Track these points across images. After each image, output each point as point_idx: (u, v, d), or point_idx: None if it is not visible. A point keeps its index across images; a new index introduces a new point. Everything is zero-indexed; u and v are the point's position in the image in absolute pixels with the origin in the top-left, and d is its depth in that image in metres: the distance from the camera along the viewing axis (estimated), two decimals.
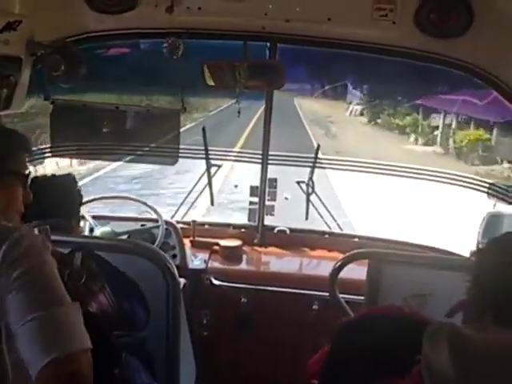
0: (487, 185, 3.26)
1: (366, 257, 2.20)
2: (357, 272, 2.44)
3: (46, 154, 3.32)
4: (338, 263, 2.29)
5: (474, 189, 3.30)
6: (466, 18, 2.44)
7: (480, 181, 3.30)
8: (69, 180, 2.32)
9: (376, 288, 2.15)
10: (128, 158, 3.56)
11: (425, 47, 2.68)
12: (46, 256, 1.35)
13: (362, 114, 19.05)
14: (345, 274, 2.34)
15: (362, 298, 2.27)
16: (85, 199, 3.13)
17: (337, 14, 2.56)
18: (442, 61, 2.70)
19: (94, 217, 3.11)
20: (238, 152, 3.84)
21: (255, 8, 2.57)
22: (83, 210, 3.03)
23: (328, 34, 2.83)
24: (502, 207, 3.18)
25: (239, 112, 3.01)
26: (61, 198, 2.21)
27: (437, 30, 2.52)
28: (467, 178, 3.34)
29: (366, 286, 2.19)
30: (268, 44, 3.00)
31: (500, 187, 3.25)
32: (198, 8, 2.59)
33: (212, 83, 3.02)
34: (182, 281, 2.38)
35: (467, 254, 2.93)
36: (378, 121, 18.31)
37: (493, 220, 3.06)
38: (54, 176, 2.36)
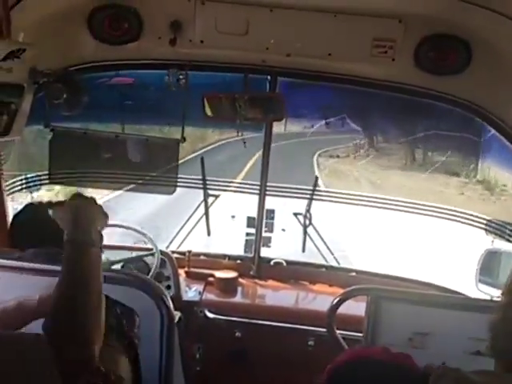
0: (485, 221, 3.26)
1: (366, 293, 2.17)
2: (354, 307, 2.40)
3: (44, 181, 3.31)
4: (336, 299, 2.25)
5: (472, 225, 3.30)
6: (465, 56, 2.49)
7: (478, 217, 3.30)
8: None
9: (374, 325, 2.11)
10: (126, 187, 3.55)
11: (423, 84, 2.71)
12: None
13: None
14: (342, 309, 2.30)
15: (360, 334, 2.22)
16: None
17: (337, 50, 2.60)
18: (441, 98, 2.74)
19: None
20: (237, 183, 3.84)
21: (256, 42, 2.61)
22: None
23: (328, 68, 2.87)
24: (500, 244, 3.16)
25: (245, 142, 3.03)
26: (55, 225, 2.17)
27: (436, 68, 2.57)
28: (465, 214, 3.34)
29: (364, 323, 2.14)
30: (268, 77, 3.04)
31: (497, 224, 3.24)
32: (200, 41, 2.63)
33: (211, 114, 3.04)
34: (177, 314, 2.33)
35: (467, 293, 2.91)
36: None
37: (491, 257, 3.04)
38: (49, 202, 2.32)
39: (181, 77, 2.83)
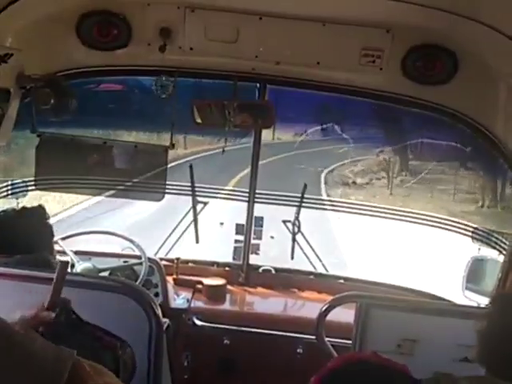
0: (472, 229, 3.29)
1: (355, 300, 2.17)
2: (342, 314, 2.40)
3: (30, 187, 3.27)
4: (325, 306, 2.25)
5: (459, 232, 3.33)
6: (451, 66, 2.53)
7: (465, 225, 3.34)
8: (37, 213, 2.26)
9: (363, 332, 2.11)
10: (113, 193, 3.52)
11: (411, 93, 2.74)
12: None
13: None
14: (331, 316, 2.31)
15: (348, 341, 2.23)
16: (65, 234, 3.09)
17: (325, 59, 2.62)
18: (428, 107, 2.76)
19: (75, 252, 3.04)
20: (225, 190, 3.83)
21: (246, 50, 2.62)
22: (64, 245, 2.98)
23: (316, 77, 2.88)
24: (487, 251, 3.20)
25: (224, 151, 3.02)
26: (28, 231, 2.15)
27: (423, 77, 2.60)
28: (453, 221, 3.37)
29: (353, 330, 2.15)
30: (258, 84, 3.05)
31: (484, 231, 3.28)
32: (189, 48, 2.63)
33: (200, 121, 3.04)
34: (166, 321, 2.31)
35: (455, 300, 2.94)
36: None
37: (477, 264, 3.07)
38: (22, 209, 2.29)
39: (170, 83, 2.82)
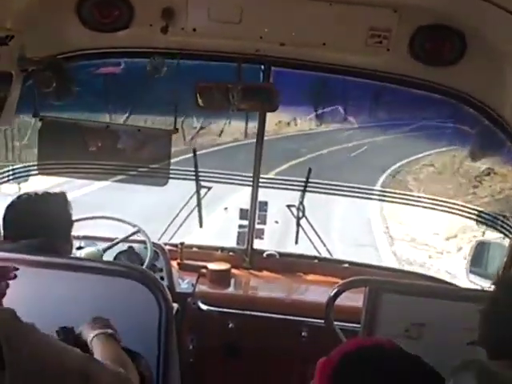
0: (477, 212, 3.29)
1: (364, 284, 2.17)
2: (348, 298, 2.39)
3: (32, 172, 3.24)
4: (335, 290, 2.25)
5: (464, 216, 3.32)
6: (459, 47, 2.49)
7: (470, 208, 3.33)
8: (59, 199, 2.23)
9: (372, 316, 2.11)
10: (117, 178, 3.50)
11: (418, 74, 2.70)
12: None
13: None
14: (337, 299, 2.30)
15: (356, 325, 2.23)
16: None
17: (332, 40, 2.58)
18: (435, 88, 2.73)
19: (79, 237, 3.02)
20: (229, 174, 3.80)
21: (250, 31, 2.58)
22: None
23: (322, 58, 2.84)
24: (491, 235, 3.20)
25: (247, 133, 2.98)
26: (50, 217, 2.13)
27: (430, 58, 2.56)
28: (458, 205, 3.36)
29: (362, 314, 2.14)
30: (262, 66, 3.00)
31: (489, 215, 3.27)
32: (192, 29, 2.59)
33: (204, 105, 3.00)
34: (175, 306, 2.30)
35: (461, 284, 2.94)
36: None
37: (482, 248, 3.07)
38: (45, 194, 2.26)
39: (163, 64, 2.74)
